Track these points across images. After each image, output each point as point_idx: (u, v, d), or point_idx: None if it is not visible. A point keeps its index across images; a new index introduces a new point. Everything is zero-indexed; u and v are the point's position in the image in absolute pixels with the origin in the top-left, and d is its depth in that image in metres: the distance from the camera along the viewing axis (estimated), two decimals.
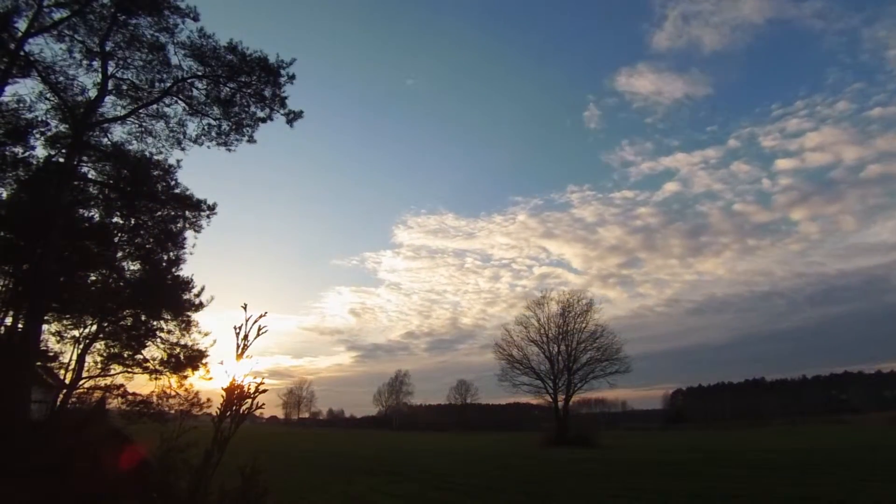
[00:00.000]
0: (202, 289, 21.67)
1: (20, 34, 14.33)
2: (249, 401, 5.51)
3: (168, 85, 16.78)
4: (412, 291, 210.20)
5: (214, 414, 5.44)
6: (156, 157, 18.44)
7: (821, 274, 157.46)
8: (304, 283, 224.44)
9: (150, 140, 17.84)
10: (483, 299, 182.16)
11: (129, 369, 20.58)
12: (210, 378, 20.33)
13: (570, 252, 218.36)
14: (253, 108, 17.43)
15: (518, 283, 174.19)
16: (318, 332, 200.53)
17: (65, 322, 19.83)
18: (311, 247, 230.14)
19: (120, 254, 21.08)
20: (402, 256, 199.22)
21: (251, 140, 17.78)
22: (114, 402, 20.34)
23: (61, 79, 15.84)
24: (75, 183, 17.19)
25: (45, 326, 17.51)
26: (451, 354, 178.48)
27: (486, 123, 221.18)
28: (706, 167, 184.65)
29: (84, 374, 19.64)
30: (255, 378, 5.70)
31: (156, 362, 20.62)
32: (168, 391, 20.52)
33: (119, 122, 17.15)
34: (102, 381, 20.09)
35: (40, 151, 17.07)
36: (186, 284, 21.46)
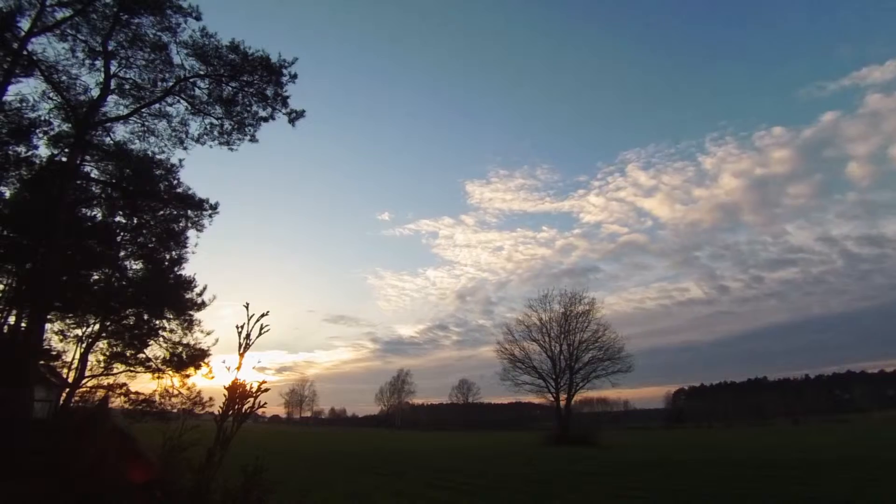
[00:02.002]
0: (204, 288, 21.77)
1: (23, 33, 14.37)
2: (252, 400, 5.51)
3: (170, 84, 16.80)
4: (462, 272, 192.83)
5: (217, 413, 5.44)
6: (158, 157, 18.52)
7: None
8: (335, 271, 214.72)
9: (152, 139, 17.91)
10: (541, 277, 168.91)
11: (132, 368, 20.66)
12: (212, 377, 20.38)
13: (667, 213, 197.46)
14: (255, 108, 17.46)
15: (590, 254, 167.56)
16: (344, 323, 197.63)
17: (68, 321, 19.90)
18: (353, 225, 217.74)
19: (122, 253, 21.16)
20: (462, 227, 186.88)
21: (253, 139, 17.80)
22: (116, 401, 20.39)
23: (64, 78, 15.89)
24: (78, 182, 17.24)
25: (48, 325, 17.57)
26: (483, 348, 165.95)
27: (610, 45, 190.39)
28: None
29: (87, 373, 19.73)
30: (258, 375, 5.71)
31: (158, 361, 20.69)
32: (171, 390, 20.61)
33: (122, 121, 17.18)
34: (105, 380, 20.18)
35: (43, 151, 17.16)
36: (188, 283, 21.57)
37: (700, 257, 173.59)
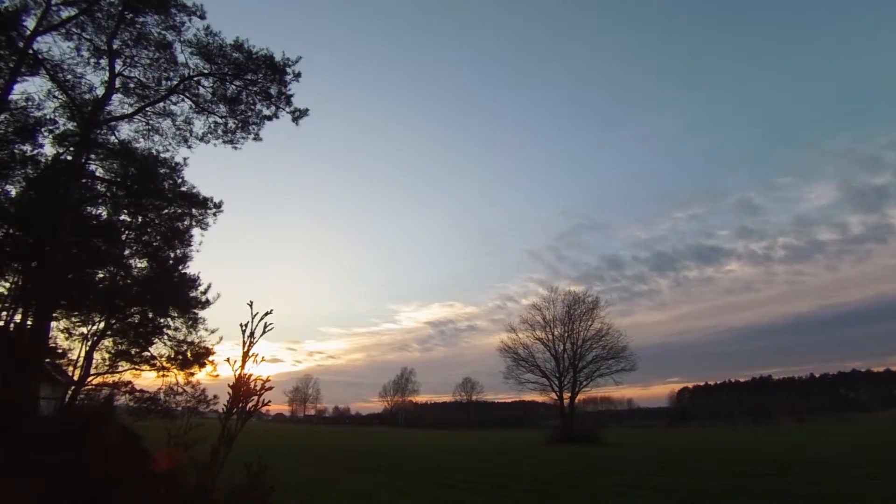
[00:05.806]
0: (209, 286, 21.85)
1: (28, 32, 14.41)
2: (256, 398, 5.50)
3: (175, 83, 16.83)
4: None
5: (221, 411, 5.44)
6: (163, 155, 18.56)
7: None
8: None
9: (157, 138, 17.95)
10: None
11: (137, 366, 20.80)
12: (216, 375, 20.49)
13: None
14: (259, 106, 17.46)
15: None
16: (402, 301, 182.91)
17: (73, 319, 20.03)
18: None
19: (127, 251, 21.25)
20: None
21: (257, 138, 17.82)
22: (121, 399, 20.56)
23: (69, 77, 15.94)
24: (83, 181, 17.29)
25: (53, 323, 17.69)
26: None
27: None
28: None
29: (92, 371, 19.86)
30: (267, 371, 5.70)
31: (163, 359, 20.81)
32: (175, 388, 20.72)
33: (126, 119, 17.23)
34: (110, 378, 20.32)
35: (48, 149, 17.25)
36: (193, 282, 21.65)
37: None
